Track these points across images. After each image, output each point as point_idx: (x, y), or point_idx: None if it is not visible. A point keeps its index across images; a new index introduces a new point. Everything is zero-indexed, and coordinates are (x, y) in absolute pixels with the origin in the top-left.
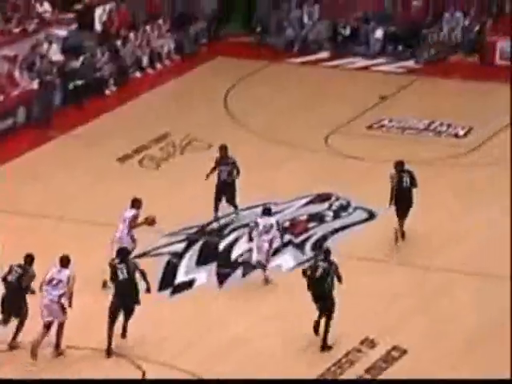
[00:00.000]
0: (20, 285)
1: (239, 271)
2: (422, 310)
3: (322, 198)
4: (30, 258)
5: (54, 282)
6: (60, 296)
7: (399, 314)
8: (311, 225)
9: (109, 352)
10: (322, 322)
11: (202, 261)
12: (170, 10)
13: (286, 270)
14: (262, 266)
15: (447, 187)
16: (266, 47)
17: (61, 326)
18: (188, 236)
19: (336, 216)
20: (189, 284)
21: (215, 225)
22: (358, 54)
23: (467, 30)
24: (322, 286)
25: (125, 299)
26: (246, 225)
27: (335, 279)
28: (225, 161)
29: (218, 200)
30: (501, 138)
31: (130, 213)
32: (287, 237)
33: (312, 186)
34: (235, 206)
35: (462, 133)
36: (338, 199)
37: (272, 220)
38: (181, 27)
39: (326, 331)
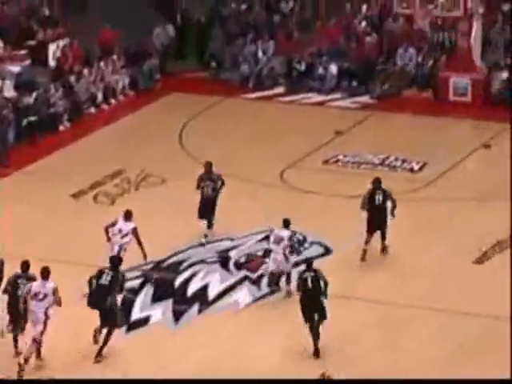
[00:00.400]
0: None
1: (195, 307)
2: (382, 345)
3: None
4: (26, 265)
5: (41, 296)
6: (47, 309)
7: (359, 348)
8: (267, 260)
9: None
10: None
11: (157, 297)
12: (123, 46)
13: (242, 307)
14: (277, 277)
15: (404, 222)
16: (221, 83)
17: (41, 335)
18: (144, 272)
19: (292, 251)
20: (144, 321)
21: (171, 260)
22: (313, 89)
23: (421, 65)
24: (316, 295)
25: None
26: (202, 261)
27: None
28: (209, 176)
29: (201, 216)
30: (455, 173)
31: (130, 226)
32: (243, 272)
33: (268, 221)
34: (211, 225)
35: (416, 167)
36: (294, 234)
37: (285, 233)
38: (135, 63)
39: (318, 335)
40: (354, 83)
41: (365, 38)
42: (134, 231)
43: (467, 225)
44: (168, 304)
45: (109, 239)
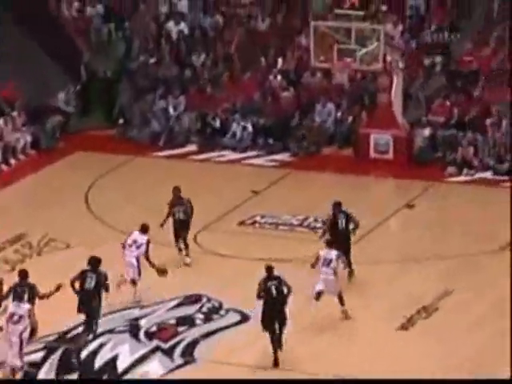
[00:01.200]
0: (33, 299)
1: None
2: None
3: (192, 299)
4: (24, 273)
5: (15, 318)
6: (21, 332)
7: None
8: (180, 329)
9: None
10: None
11: (62, 371)
12: (25, 102)
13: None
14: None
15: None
16: (130, 141)
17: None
18: (47, 344)
19: (207, 319)
20: None
21: (77, 331)
22: (227, 146)
23: (340, 121)
24: (280, 303)
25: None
26: (111, 330)
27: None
28: (180, 201)
29: (177, 239)
30: (378, 234)
31: (144, 238)
32: (155, 342)
33: (181, 287)
34: (187, 245)
35: None
36: (209, 301)
37: (333, 254)
38: (37, 120)
39: (281, 344)
40: (271, 140)
41: (281, 93)
42: (148, 243)
43: (390, 289)
44: (74, 378)
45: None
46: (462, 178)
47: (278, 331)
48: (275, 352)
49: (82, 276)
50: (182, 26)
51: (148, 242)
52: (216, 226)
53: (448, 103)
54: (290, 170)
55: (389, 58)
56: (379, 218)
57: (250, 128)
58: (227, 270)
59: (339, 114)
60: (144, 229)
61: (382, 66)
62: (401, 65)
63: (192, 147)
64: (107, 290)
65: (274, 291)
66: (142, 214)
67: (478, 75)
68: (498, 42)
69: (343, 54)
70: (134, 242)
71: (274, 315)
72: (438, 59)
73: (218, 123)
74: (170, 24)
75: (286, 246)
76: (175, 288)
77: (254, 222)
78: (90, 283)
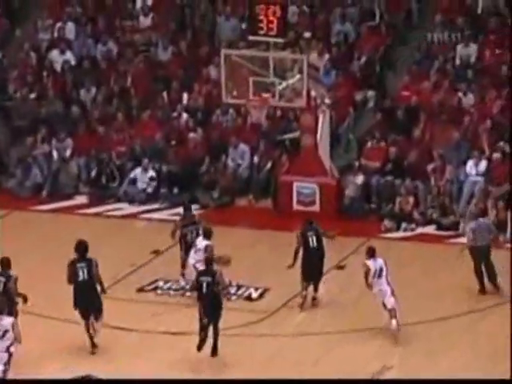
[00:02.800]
0: (8, 292)
1: None
2: None
3: (81, 381)
4: (6, 260)
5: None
6: (8, 347)
7: None
8: None
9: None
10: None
11: None
12: None
13: None
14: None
15: (245, 356)
16: (6, 192)
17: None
18: None
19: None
20: None
21: None
22: (123, 198)
23: (256, 167)
24: (213, 297)
25: (88, 300)
26: None
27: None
28: (192, 220)
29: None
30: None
31: (204, 242)
32: None
33: (71, 362)
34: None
35: (256, 295)
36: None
37: (380, 261)
38: None
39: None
40: (176, 190)
41: (187, 134)
42: (207, 248)
43: (323, 360)
44: None
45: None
46: (400, 234)
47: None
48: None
49: (73, 268)
50: (68, 55)
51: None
52: (109, 294)
53: (383, 145)
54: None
55: (313, 93)
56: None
57: (150, 176)
58: (125, 345)
59: (256, 159)
60: (207, 234)
61: (305, 103)
62: (327, 101)
63: (81, 199)
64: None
65: (205, 288)
66: (20, 280)
67: (417, 112)
68: (440, 75)
69: (260, 88)
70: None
71: (208, 311)
72: (371, 94)
73: (112, 170)
74: (54, 53)
75: (192, 315)
76: (65, 364)
77: (156, 288)
78: (84, 275)
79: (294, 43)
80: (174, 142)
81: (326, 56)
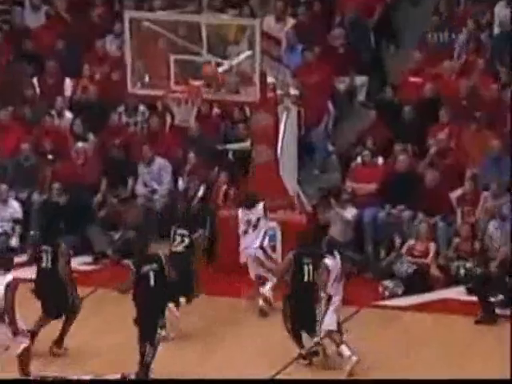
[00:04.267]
0: None
1: None
2: None
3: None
4: None
5: None
6: None
7: None
8: None
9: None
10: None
11: None
12: None
13: None
14: None
15: None
16: None
17: None
18: None
19: None
20: None
21: None
22: None
23: (182, 195)
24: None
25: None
26: None
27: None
28: None
29: None
30: None
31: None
32: None
33: None
34: None
35: None
36: None
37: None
38: None
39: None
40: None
41: (73, 143)
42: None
43: None
44: None
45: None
46: (409, 300)
47: None
48: None
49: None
50: None
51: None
52: None
53: (381, 161)
54: None
55: (271, 80)
56: (268, 371)
57: (13, 213)
58: None
59: (180, 182)
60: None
61: (258, 94)
62: (293, 91)
63: None
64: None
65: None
66: None
67: (435, 109)
68: (470, 50)
69: (187, 71)
70: (248, 222)
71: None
72: (361, 81)
73: None
74: None
75: None
76: None
77: None
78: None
79: (241, 1)
80: (50, 157)
81: (291, 21)
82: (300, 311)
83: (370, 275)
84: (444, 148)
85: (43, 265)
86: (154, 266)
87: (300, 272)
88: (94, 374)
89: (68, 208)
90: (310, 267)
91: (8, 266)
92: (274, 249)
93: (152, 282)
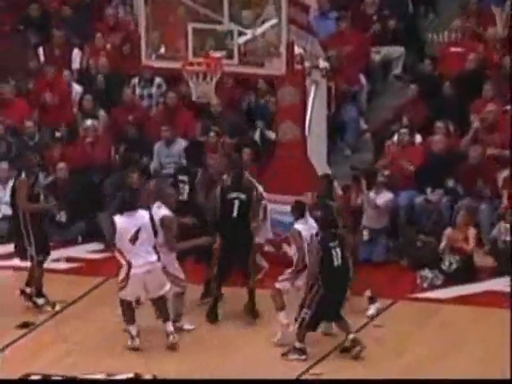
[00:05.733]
0: None
1: None
2: None
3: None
4: None
5: None
6: None
7: None
8: None
9: None
10: None
11: None
12: None
13: None
14: None
15: None
16: None
17: None
18: None
19: None
20: None
21: None
22: None
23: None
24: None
25: None
26: None
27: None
28: None
29: None
30: None
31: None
32: None
33: None
34: None
35: None
36: None
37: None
38: None
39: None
40: (63, 218)
41: (82, 120)
42: None
43: None
44: None
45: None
46: (449, 292)
47: None
48: None
49: None
50: None
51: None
52: None
53: (419, 140)
54: None
55: (299, 51)
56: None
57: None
58: None
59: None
60: None
61: (284, 67)
62: (323, 64)
63: None
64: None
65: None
66: None
67: (479, 83)
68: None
69: (207, 41)
70: None
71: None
72: (397, 52)
73: None
74: None
75: None
76: None
77: None
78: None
79: None
80: (58, 134)
81: None
82: (332, 298)
83: (406, 263)
84: (489, 125)
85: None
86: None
87: (329, 257)
88: (107, 372)
89: (76, 192)
90: (338, 251)
91: None
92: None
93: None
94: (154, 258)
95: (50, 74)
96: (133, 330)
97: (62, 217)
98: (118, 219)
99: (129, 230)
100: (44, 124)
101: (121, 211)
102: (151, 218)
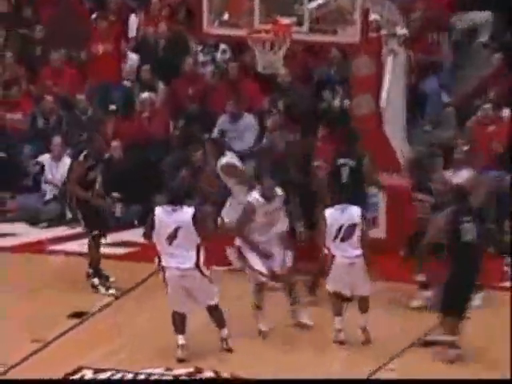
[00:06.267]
0: None
1: None
2: None
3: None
4: None
5: None
6: None
7: None
8: None
9: None
10: None
11: None
12: None
13: None
14: None
15: None
16: None
17: None
18: None
19: None
20: None
21: None
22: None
23: None
24: None
25: None
26: None
27: None
28: None
29: None
30: None
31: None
32: None
33: None
34: None
35: None
36: None
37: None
38: None
39: None
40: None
41: (138, 92)
42: None
43: None
44: None
45: None
46: None
47: None
48: None
49: None
50: None
51: None
52: None
53: (508, 114)
54: None
55: (374, 17)
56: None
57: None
58: None
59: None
60: None
61: (359, 35)
62: (401, 31)
63: None
64: None
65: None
66: None
67: None
68: None
69: (274, 8)
70: None
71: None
72: (483, 17)
73: None
74: None
75: None
76: None
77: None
78: None
79: None
80: (113, 108)
81: None
82: (465, 280)
83: (492, 250)
84: None
85: None
86: None
87: (458, 233)
88: (165, 367)
89: (132, 170)
90: (471, 225)
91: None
92: (375, 222)
93: None
94: (190, 264)
95: (102, 27)
96: (180, 340)
97: (117, 212)
98: (158, 210)
99: (169, 225)
100: (90, 81)
101: (177, 196)
102: (194, 217)
